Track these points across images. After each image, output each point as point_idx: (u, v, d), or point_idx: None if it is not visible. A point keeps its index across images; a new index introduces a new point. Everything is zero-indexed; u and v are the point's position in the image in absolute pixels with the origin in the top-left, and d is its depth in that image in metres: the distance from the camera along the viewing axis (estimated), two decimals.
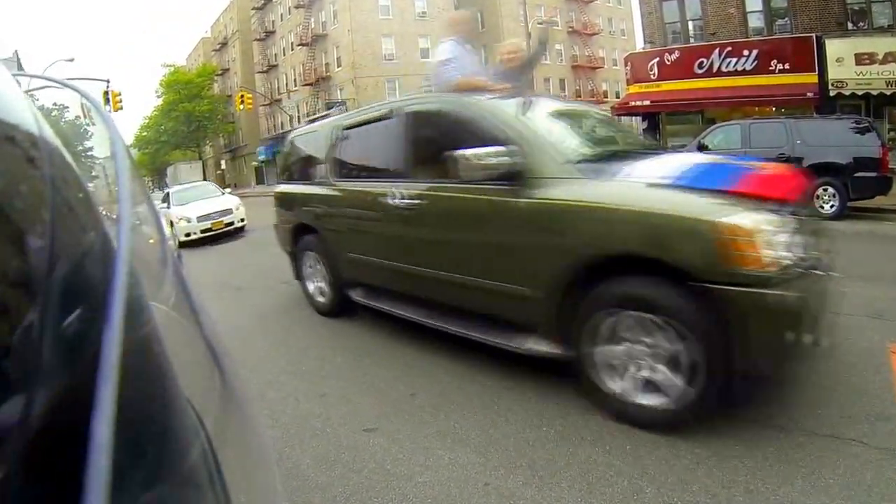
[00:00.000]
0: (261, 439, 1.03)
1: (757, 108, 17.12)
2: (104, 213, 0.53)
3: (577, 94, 51.63)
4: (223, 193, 17.10)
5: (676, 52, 19.16)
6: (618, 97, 38.83)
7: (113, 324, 0.38)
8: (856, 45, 15.90)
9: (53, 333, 0.35)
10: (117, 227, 0.49)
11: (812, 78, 16.33)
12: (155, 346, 0.50)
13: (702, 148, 12.12)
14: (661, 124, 20.00)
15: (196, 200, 15.48)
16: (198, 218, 14.60)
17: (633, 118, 25.34)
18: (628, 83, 21.20)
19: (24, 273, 0.34)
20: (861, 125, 11.03)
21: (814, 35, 16.57)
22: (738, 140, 11.72)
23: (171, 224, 14.48)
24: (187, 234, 14.42)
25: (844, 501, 2.53)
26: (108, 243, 0.48)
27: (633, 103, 19.88)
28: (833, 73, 16.04)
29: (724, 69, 17.81)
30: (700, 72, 18.27)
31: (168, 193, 16.48)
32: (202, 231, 14.61)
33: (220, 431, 0.63)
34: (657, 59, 19.43)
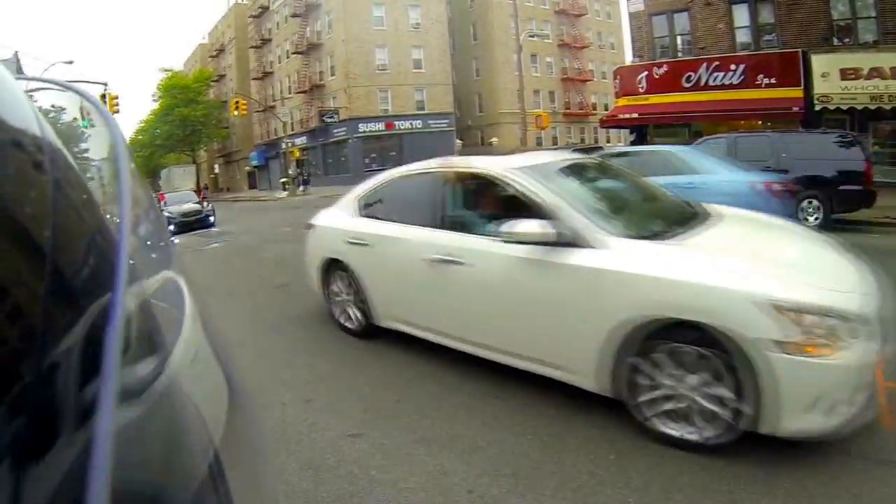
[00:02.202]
0: (263, 442, 1.04)
1: (743, 122, 17.32)
2: (106, 214, 0.54)
3: (567, 106, 52.05)
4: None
5: (665, 65, 19.41)
6: (606, 110, 39.14)
7: (115, 322, 0.38)
8: (841, 60, 16.16)
9: (57, 332, 0.35)
10: (119, 226, 0.49)
11: (798, 92, 16.56)
12: (157, 342, 0.51)
13: None
14: (648, 137, 20.20)
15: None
16: None
17: (621, 131, 25.55)
18: (617, 96, 21.44)
19: (28, 275, 0.35)
20: (846, 139, 11.14)
21: (800, 50, 16.82)
22: (724, 153, 11.83)
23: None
24: None
25: None
26: (111, 244, 0.48)
27: (621, 116, 20.10)
28: (818, 87, 16.28)
29: (711, 83, 18.05)
30: (688, 85, 18.50)
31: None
32: None
33: (224, 432, 0.62)
34: (646, 72, 19.67)
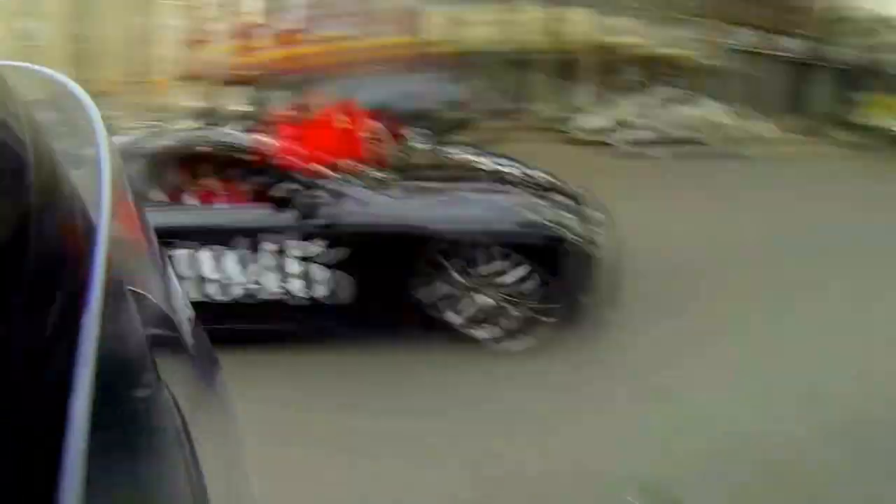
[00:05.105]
0: (232, 419, 0.96)
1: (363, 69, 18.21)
2: (86, 199, 0.52)
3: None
4: None
5: (285, 19, 19.65)
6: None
7: (92, 307, 0.38)
8: (454, 14, 18.45)
9: (34, 316, 0.35)
10: (98, 213, 0.48)
11: (413, 40, 18.01)
12: (133, 330, 0.50)
13: None
14: (273, 89, 19.99)
15: None
16: None
17: (243, 86, 25.28)
18: (237, 53, 21.10)
19: (5, 256, 0.34)
20: (449, 80, 13.97)
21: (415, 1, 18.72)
22: (343, 96, 12.22)
23: None
24: None
25: None
26: (90, 229, 0.47)
27: (241, 73, 20.03)
28: (432, 36, 18.16)
29: (326, 34, 18.56)
30: (307, 38, 18.84)
31: None
32: None
33: (194, 412, 0.62)
34: (265, 28, 19.92)
